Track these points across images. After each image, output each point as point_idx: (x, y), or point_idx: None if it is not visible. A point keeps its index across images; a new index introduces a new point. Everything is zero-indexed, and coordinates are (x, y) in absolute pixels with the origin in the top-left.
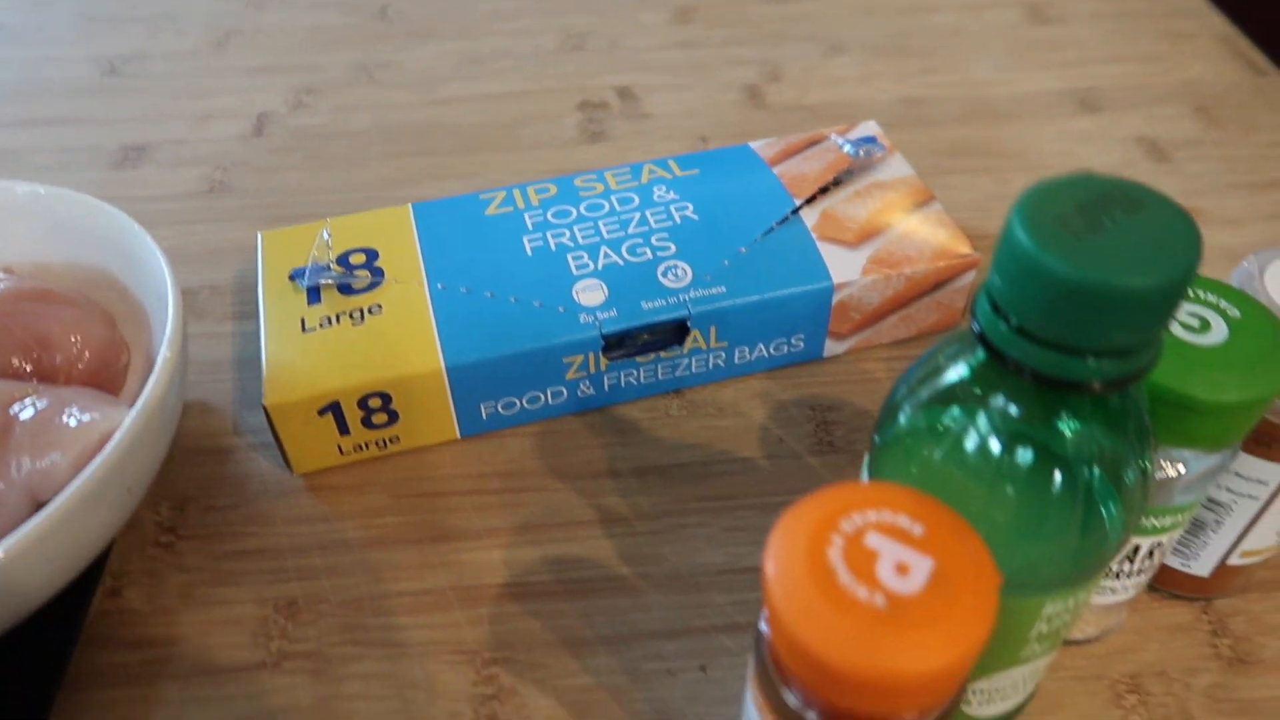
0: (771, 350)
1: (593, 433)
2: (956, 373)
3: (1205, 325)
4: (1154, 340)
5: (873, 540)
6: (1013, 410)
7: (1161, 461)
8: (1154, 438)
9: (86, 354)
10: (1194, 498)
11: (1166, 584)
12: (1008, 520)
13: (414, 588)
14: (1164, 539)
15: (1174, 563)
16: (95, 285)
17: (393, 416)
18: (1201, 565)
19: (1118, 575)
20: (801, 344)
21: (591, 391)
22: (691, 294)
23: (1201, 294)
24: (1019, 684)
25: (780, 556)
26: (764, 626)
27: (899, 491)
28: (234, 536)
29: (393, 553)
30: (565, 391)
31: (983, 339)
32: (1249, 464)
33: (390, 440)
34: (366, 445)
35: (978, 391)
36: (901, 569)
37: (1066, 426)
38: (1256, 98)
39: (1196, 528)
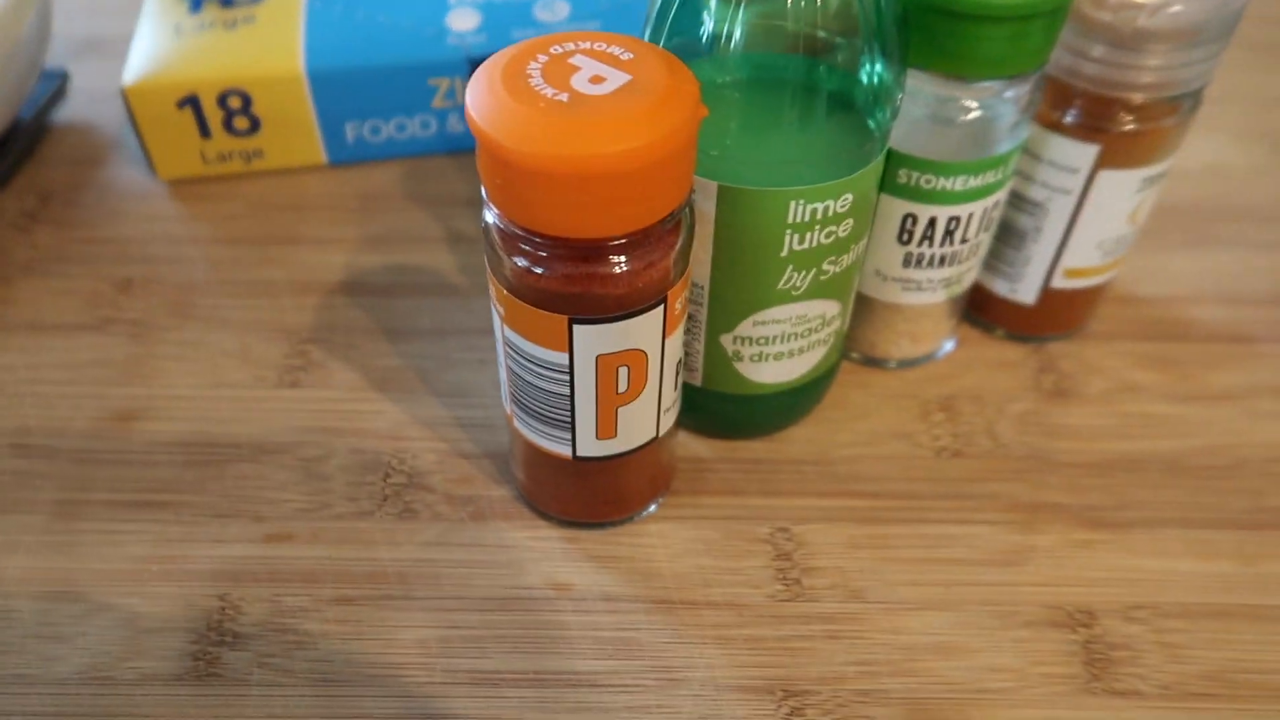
0: None
1: (460, 172)
2: None
3: None
4: None
5: (577, 59)
6: None
7: (940, 98)
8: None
9: None
10: (984, 153)
11: (995, 318)
12: (738, 98)
13: (249, 277)
14: (962, 211)
15: (1000, 289)
16: None
17: (255, 123)
18: (1026, 289)
19: (919, 262)
20: None
21: (461, 129)
22: (566, 28)
23: None
24: (790, 339)
25: (487, 70)
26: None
27: (621, 36)
28: (87, 225)
29: (237, 249)
30: (434, 123)
31: None
32: (1058, 146)
33: (254, 154)
34: (230, 155)
35: None
36: (596, 79)
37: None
38: None
39: (1014, 237)
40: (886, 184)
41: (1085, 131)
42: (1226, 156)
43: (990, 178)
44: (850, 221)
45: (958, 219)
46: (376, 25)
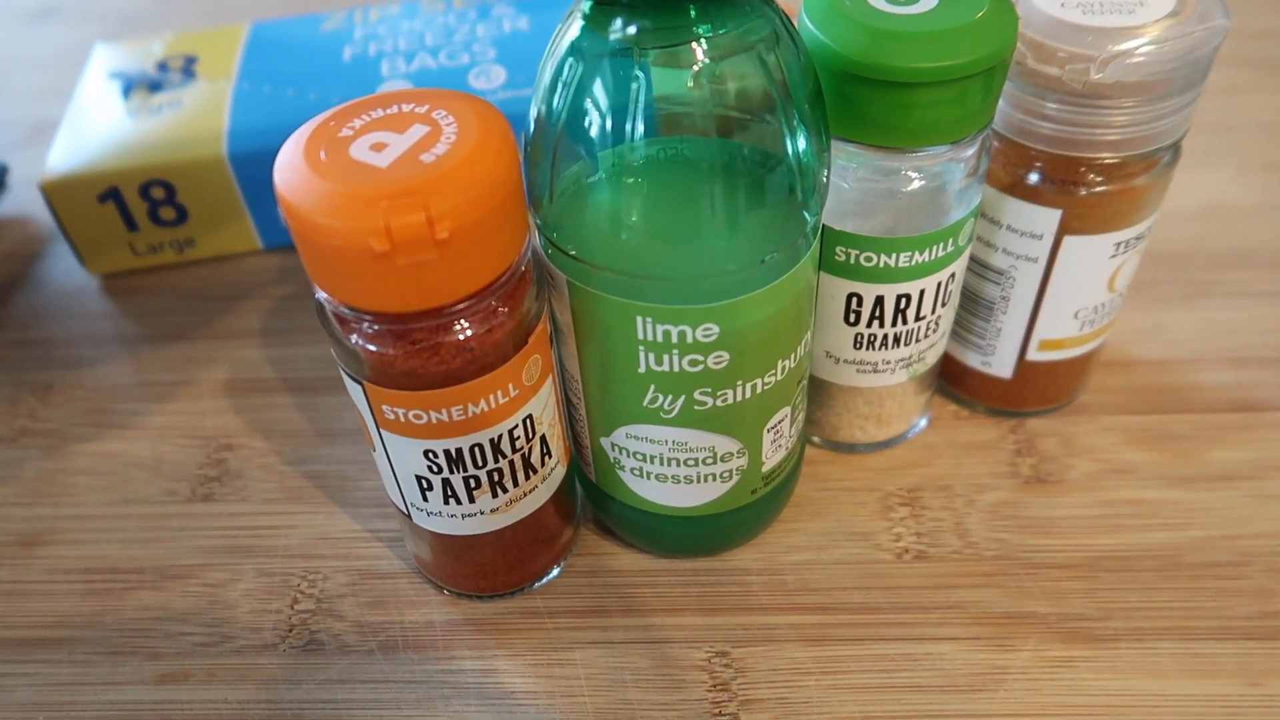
0: None
1: None
2: (572, 35)
3: None
4: None
5: (377, 128)
6: (621, 51)
7: (879, 170)
8: (810, 120)
9: None
10: (934, 224)
11: (971, 392)
12: (608, 190)
13: (172, 378)
14: (911, 289)
15: (974, 362)
16: None
17: (182, 213)
18: (1000, 362)
19: (871, 343)
20: None
21: None
22: (499, 95)
23: None
24: (671, 463)
25: (293, 139)
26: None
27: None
28: (16, 326)
29: (162, 348)
30: None
31: None
32: (1018, 211)
33: (185, 243)
34: (160, 246)
35: (589, 43)
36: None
37: (681, 78)
38: None
39: (981, 307)
40: (825, 263)
41: (1048, 195)
42: (1229, 194)
43: (940, 251)
44: (724, 355)
45: (908, 296)
46: (305, 103)
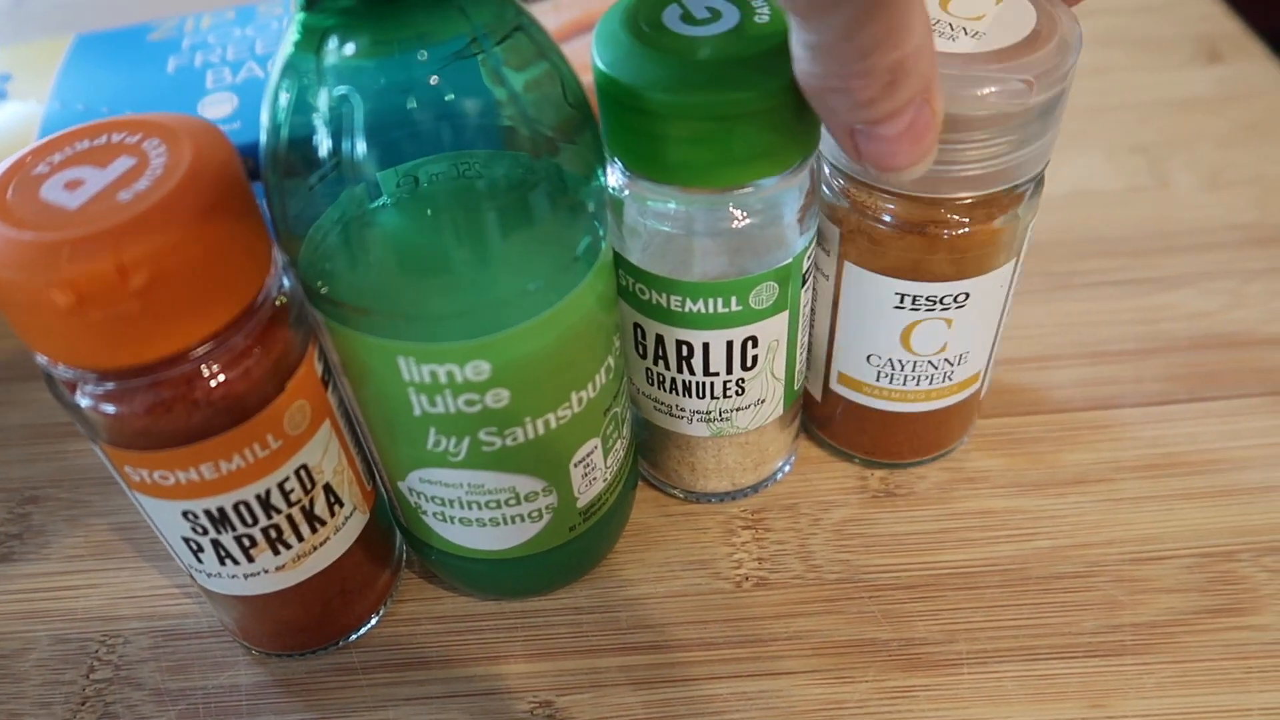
0: None
1: None
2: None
3: (715, 15)
4: None
5: (79, 162)
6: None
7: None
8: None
9: None
10: (726, 268)
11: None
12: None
13: None
14: (693, 337)
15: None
16: None
17: None
18: (814, 380)
19: (660, 383)
20: None
21: None
22: None
23: None
24: (472, 506)
25: None
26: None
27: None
28: None
29: None
30: None
31: None
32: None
33: None
34: None
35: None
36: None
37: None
38: None
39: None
40: (623, 291)
41: (839, 211)
42: (1096, 179)
43: (719, 306)
44: (503, 392)
45: (689, 345)
46: None
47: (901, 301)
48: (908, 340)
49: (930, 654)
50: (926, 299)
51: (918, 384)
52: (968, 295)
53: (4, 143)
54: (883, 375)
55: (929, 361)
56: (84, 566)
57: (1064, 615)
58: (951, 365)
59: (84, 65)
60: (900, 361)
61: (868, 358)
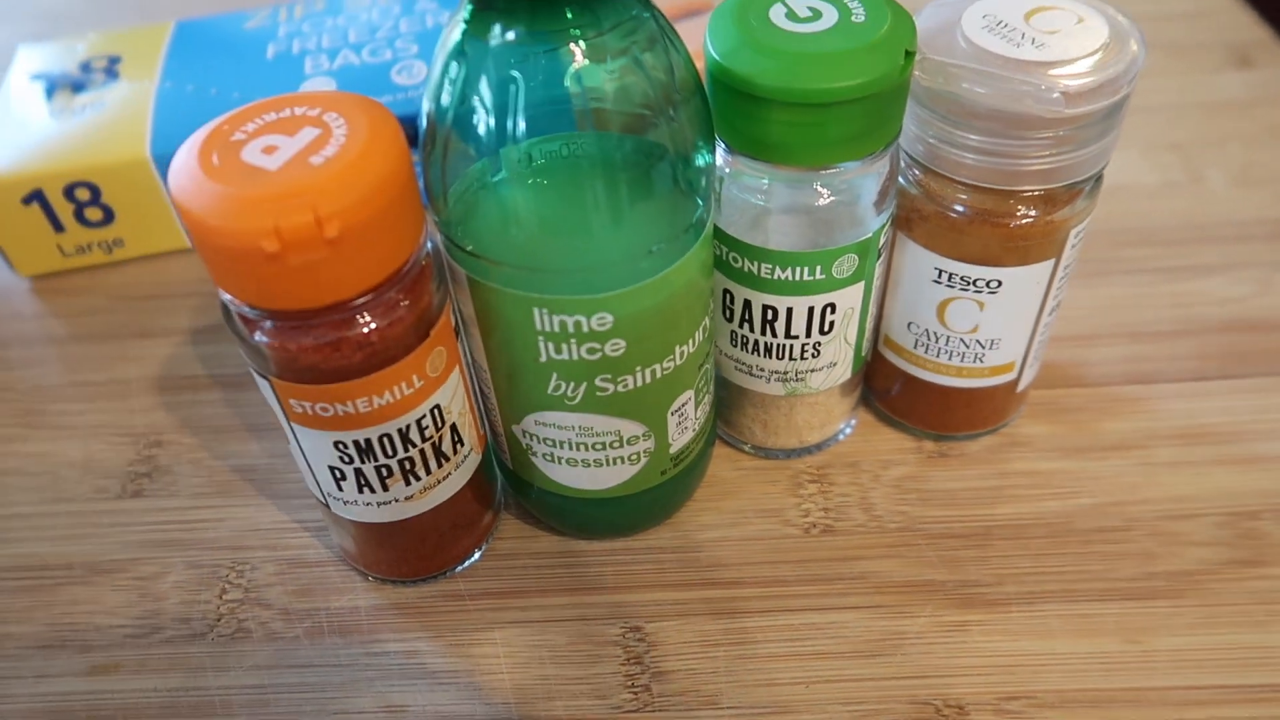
0: None
1: None
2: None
3: (816, 15)
4: None
5: (274, 130)
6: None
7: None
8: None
9: None
10: (808, 241)
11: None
12: (503, 188)
13: (103, 377)
14: (778, 303)
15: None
16: None
17: (108, 213)
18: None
19: (744, 345)
20: None
21: None
22: (422, 91)
23: None
24: (579, 448)
25: (186, 146)
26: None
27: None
28: None
29: (92, 346)
30: None
31: None
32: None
33: (115, 243)
34: (89, 247)
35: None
36: (270, 149)
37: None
38: None
39: None
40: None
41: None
42: (1134, 174)
43: (805, 274)
44: (621, 342)
45: (774, 309)
46: (229, 103)
47: (939, 276)
48: (943, 315)
49: (982, 594)
50: (961, 278)
51: (949, 359)
52: (1000, 283)
53: (123, 115)
54: (919, 344)
55: (961, 339)
56: (210, 503)
57: (1103, 563)
58: (983, 348)
59: (187, 50)
60: (935, 334)
61: (908, 325)
